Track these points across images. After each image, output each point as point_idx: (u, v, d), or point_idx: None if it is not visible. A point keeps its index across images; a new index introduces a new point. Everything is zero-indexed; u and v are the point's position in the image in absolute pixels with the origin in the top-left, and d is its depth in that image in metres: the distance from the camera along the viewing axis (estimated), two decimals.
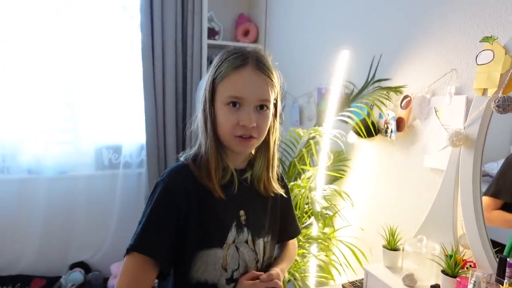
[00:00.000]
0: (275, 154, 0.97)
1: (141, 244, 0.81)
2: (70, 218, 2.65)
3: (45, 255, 2.61)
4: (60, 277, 2.55)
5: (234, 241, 0.90)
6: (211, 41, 2.65)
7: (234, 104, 0.84)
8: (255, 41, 2.87)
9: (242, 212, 0.93)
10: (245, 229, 0.93)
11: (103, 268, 2.70)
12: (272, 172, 0.98)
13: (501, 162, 1.39)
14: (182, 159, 0.92)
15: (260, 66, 0.86)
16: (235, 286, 0.89)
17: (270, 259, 1.02)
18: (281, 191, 1.01)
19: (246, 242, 0.93)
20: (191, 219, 0.84)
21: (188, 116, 2.66)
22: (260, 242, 0.96)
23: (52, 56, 2.47)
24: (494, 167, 1.39)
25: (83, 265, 2.69)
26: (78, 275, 2.55)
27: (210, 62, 2.70)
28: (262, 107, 0.87)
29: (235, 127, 0.85)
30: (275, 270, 0.94)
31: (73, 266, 2.66)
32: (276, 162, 0.99)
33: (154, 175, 2.60)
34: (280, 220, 1.05)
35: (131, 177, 2.76)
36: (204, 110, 0.88)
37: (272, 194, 1.00)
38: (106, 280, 2.62)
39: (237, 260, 0.90)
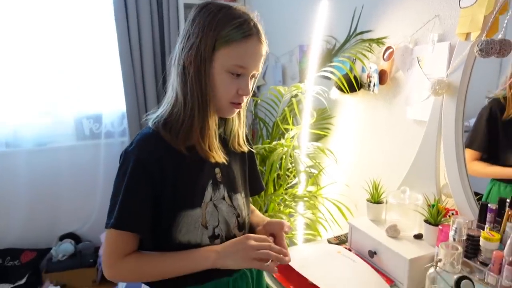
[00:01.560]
0: (245, 112, 0.98)
1: (121, 221, 0.81)
2: (55, 190, 2.62)
3: (33, 228, 2.59)
4: (51, 248, 2.56)
5: (211, 199, 0.90)
6: (188, 0, 2.52)
7: (236, 72, 0.83)
8: (234, 1, 2.74)
9: (217, 170, 0.93)
10: (221, 186, 0.93)
11: (93, 238, 2.71)
12: (244, 129, 1.00)
13: None
14: (150, 124, 0.88)
15: (262, 37, 0.85)
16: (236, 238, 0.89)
17: (248, 215, 1.03)
18: (249, 148, 1.03)
19: (223, 198, 0.93)
20: (167, 185, 0.83)
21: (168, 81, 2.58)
22: (238, 197, 0.97)
23: (28, 26, 2.35)
24: None
25: (73, 236, 2.70)
26: (68, 245, 2.55)
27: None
28: (253, 75, 0.88)
29: (234, 95, 0.85)
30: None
31: (63, 238, 2.66)
32: (245, 120, 1.00)
33: None
34: (248, 177, 1.06)
35: (114, 146, 2.71)
36: (200, 72, 0.81)
37: (241, 151, 1.01)
38: (97, 249, 2.64)
39: (216, 217, 0.90)
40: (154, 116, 0.88)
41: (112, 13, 2.38)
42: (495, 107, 1.19)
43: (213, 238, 0.90)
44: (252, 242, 0.84)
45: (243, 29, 0.81)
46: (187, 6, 2.54)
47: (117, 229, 0.81)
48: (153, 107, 2.53)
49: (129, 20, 2.42)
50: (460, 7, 1.15)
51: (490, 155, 1.24)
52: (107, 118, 2.67)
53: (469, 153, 1.24)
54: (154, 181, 0.82)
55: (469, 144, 1.25)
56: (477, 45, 1.06)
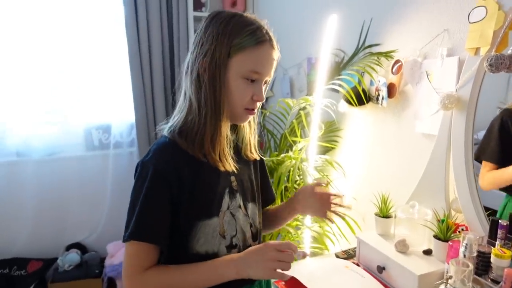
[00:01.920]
0: (256, 120, 1.00)
1: (140, 232, 0.79)
2: (63, 199, 2.63)
3: (40, 237, 2.60)
4: (57, 258, 2.56)
5: (228, 208, 0.90)
6: (198, 13, 2.56)
7: (251, 78, 0.84)
8: (243, 11, 2.78)
9: (233, 178, 0.93)
10: (237, 194, 0.93)
11: (99, 248, 2.70)
12: (255, 137, 1.01)
13: None
14: (165, 133, 0.88)
15: (274, 43, 0.87)
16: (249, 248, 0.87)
17: (261, 224, 1.02)
18: (260, 156, 1.04)
19: (239, 207, 0.93)
20: (185, 194, 0.83)
21: (177, 92, 2.60)
22: (251, 206, 0.97)
23: (38, 36, 2.39)
24: None
25: (79, 246, 2.69)
26: (74, 256, 2.55)
27: None
28: (265, 81, 0.89)
29: (248, 101, 0.86)
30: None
31: (69, 247, 2.66)
32: (256, 128, 1.01)
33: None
34: (260, 185, 1.05)
35: (123, 157, 2.72)
36: (215, 78, 0.82)
37: (253, 159, 1.01)
38: (103, 259, 2.63)
39: (234, 226, 0.90)
40: (168, 125, 0.89)
41: (123, 24, 2.42)
42: (506, 117, 1.18)
43: (230, 248, 0.89)
44: (273, 252, 0.81)
45: (256, 35, 0.82)
46: (197, 19, 2.58)
47: (137, 240, 0.79)
48: (162, 117, 2.58)
49: (139, 32, 2.45)
50: (469, 22, 1.15)
51: (503, 166, 1.22)
52: (116, 128, 2.69)
53: (483, 165, 1.23)
54: (172, 190, 0.82)
55: (479, 155, 1.23)
56: (487, 60, 1.06)
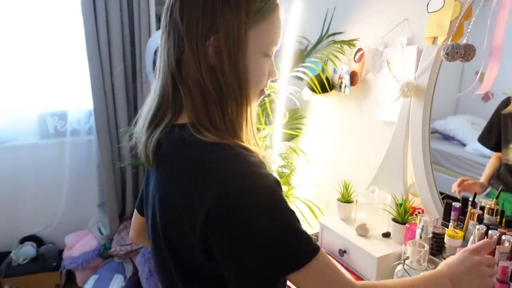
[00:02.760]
0: None
1: (311, 244, 0.59)
2: (16, 190, 2.48)
3: None
4: (10, 252, 2.42)
5: None
6: None
7: (269, 53, 0.68)
8: None
9: None
10: None
11: (56, 240, 2.59)
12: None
13: (448, 119, 1.43)
14: (207, 138, 0.61)
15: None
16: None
17: None
18: None
19: None
20: None
21: (138, 78, 2.51)
22: None
23: None
24: (442, 124, 1.43)
25: (35, 239, 2.57)
26: (29, 248, 2.43)
27: (158, 18, 2.56)
28: None
29: (264, 80, 0.70)
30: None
31: (24, 240, 2.53)
32: None
33: (106, 141, 2.46)
34: None
35: (80, 145, 2.60)
36: (236, 58, 0.63)
37: None
38: (60, 252, 2.53)
39: None
40: (178, 133, 0.65)
41: (79, 5, 2.29)
42: (502, 103, 1.18)
43: None
44: (486, 269, 0.70)
45: None
46: (159, 2, 2.48)
47: (315, 254, 0.58)
48: (122, 104, 2.48)
49: (96, 14, 2.32)
50: (428, 12, 1.19)
51: (489, 148, 1.26)
52: (73, 115, 2.56)
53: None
54: None
55: (479, 138, 1.28)
56: (443, 49, 1.09)
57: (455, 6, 1.10)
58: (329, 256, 0.60)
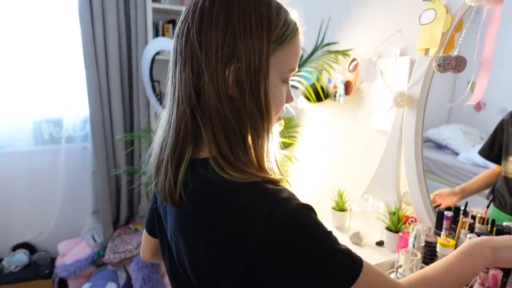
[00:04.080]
0: None
1: (355, 261, 0.58)
2: (9, 197, 2.46)
3: None
4: (2, 259, 2.40)
5: None
6: (156, 5, 2.49)
7: (287, 79, 0.66)
8: None
9: None
10: None
11: (49, 248, 2.57)
12: None
13: (441, 128, 1.46)
14: (232, 178, 0.59)
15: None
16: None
17: None
18: None
19: None
20: None
21: (134, 86, 2.52)
22: None
23: None
24: (435, 133, 1.46)
25: (27, 246, 2.54)
26: (21, 256, 2.40)
27: (155, 27, 2.58)
28: None
29: (283, 107, 0.68)
30: None
31: (16, 248, 2.50)
32: None
33: (101, 148, 2.47)
34: None
35: (75, 152, 2.59)
36: (257, 87, 0.60)
37: None
38: (53, 259, 2.50)
39: None
40: (199, 173, 0.62)
41: (77, 12, 2.30)
42: (507, 116, 1.19)
43: None
44: None
45: (291, 22, 0.64)
46: (156, 11, 2.51)
47: (361, 267, 0.57)
48: (118, 111, 2.49)
49: (94, 22, 2.34)
50: (420, 24, 1.21)
51: (490, 160, 1.26)
52: (69, 122, 2.56)
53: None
54: None
55: (480, 152, 1.27)
56: (435, 61, 1.12)
57: (446, 18, 1.12)
58: (370, 263, 0.59)
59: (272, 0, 0.62)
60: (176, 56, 0.63)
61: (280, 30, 0.61)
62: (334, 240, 0.57)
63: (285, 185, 0.63)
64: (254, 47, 0.59)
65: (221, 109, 0.59)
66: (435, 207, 1.27)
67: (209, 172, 0.60)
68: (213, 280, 0.60)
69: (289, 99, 0.68)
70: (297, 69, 0.67)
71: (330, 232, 0.58)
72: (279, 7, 0.63)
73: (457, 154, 1.41)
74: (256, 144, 0.62)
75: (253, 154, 0.62)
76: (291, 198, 0.58)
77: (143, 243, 0.90)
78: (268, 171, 0.64)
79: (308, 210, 0.57)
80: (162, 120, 0.69)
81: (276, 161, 0.67)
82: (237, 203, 0.57)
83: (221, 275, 0.58)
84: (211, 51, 0.58)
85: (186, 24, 0.61)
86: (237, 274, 0.56)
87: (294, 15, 0.65)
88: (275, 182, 0.61)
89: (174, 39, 0.64)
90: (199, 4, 0.60)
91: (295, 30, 0.64)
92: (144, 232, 0.88)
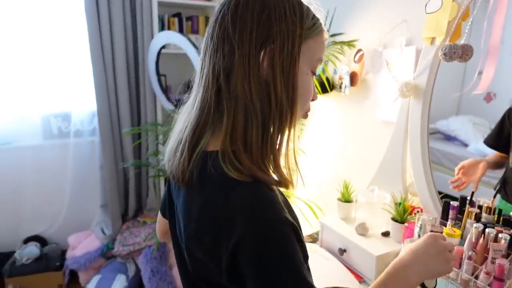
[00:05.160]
0: None
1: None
2: (20, 191, 2.51)
3: None
4: (14, 252, 2.45)
5: None
6: None
7: (315, 70, 0.67)
8: None
9: None
10: None
11: (60, 240, 2.61)
12: None
13: (451, 119, 1.44)
14: (230, 173, 0.59)
15: None
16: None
17: None
18: None
19: None
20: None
21: (141, 80, 2.53)
22: None
23: None
24: (444, 124, 1.44)
25: (38, 239, 2.59)
26: (33, 248, 2.45)
27: (161, 21, 2.58)
28: None
29: (310, 99, 0.68)
30: None
31: (27, 240, 2.55)
32: None
33: (109, 142, 2.49)
34: None
35: (83, 146, 2.62)
36: (288, 73, 0.61)
37: None
38: (64, 252, 2.55)
39: None
40: (213, 162, 0.61)
41: (83, 7, 2.31)
42: None
43: None
44: (443, 243, 0.74)
45: (315, 15, 0.66)
46: (162, 4, 2.51)
47: None
48: (125, 105, 2.51)
49: (100, 16, 2.35)
50: (426, 13, 1.20)
51: (498, 150, 1.25)
52: (77, 116, 2.59)
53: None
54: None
55: (485, 140, 1.27)
56: (441, 50, 1.10)
57: (452, 7, 1.11)
58: None
59: None
60: (207, 43, 0.64)
61: (311, 21, 0.64)
62: (303, 265, 0.57)
63: (290, 189, 0.65)
64: (289, 29, 0.60)
65: (249, 93, 0.60)
66: (459, 186, 1.24)
67: (216, 167, 0.61)
68: (205, 268, 0.63)
69: (314, 95, 0.69)
70: (323, 61, 0.68)
71: (301, 260, 0.58)
72: (307, 4, 0.66)
73: (466, 145, 1.39)
74: (276, 133, 0.62)
75: (268, 145, 0.61)
76: (281, 209, 0.58)
77: (157, 223, 0.94)
78: (282, 169, 0.64)
79: (290, 228, 0.57)
80: (186, 105, 0.70)
81: (293, 161, 0.66)
82: (230, 199, 0.58)
83: (212, 263, 0.60)
84: (246, 32, 0.60)
85: (221, 12, 0.63)
86: (223, 264, 0.58)
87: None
88: (276, 185, 0.62)
89: (207, 29, 0.66)
90: None
91: (321, 24, 0.66)
92: (159, 213, 0.92)
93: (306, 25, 0.63)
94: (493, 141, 1.25)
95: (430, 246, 0.74)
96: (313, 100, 0.69)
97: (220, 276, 0.60)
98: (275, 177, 0.63)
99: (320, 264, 1.28)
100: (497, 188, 1.13)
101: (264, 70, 0.60)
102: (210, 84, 0.62)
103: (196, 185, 0.65)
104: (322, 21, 0.67)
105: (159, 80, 2.44)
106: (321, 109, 1.84)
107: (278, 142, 0.63)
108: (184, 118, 0.69)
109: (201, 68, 0.65)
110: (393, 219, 1.27)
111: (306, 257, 0.65)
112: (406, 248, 0.76)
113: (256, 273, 0.55)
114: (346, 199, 1.44)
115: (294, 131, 0.63)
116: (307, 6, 0.65)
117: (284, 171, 0.65)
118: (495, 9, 1.03)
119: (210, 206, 0.61)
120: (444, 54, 1.09)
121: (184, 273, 0.75)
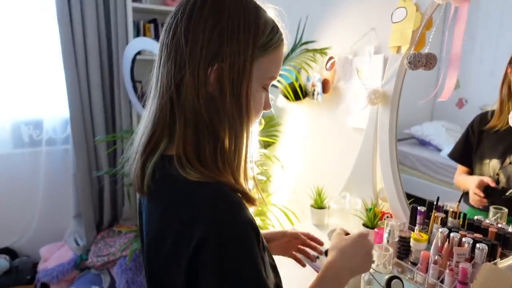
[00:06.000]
0: None
1: None
2: None
3: None
4: None
5: None
6: (137, 4, 2.47)
7: (267, 86, 0.68)
8: None
9: None
10: None
11: (31, 253, 2.53)
12: None
13: (425, 125, 1.48)
14: (191, 177, 0.59)
15: None
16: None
17: None
18: None
19: None
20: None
21: (115, 86, 2.49)
22: None
23: None
24: (418, 130, 1.47)
25: (8, 251, 2.50)
26: (2, 261, 2.36)
27: (136, 27, 2.56)
28: None
29: (261, 112, 0.70)
30: None
31: None
32: None
33: (82, 150, 2.44)
34: None
35: (56, 154, 2.56)
36: (239, 90, 0.61)
37: None
38: (35, 265, 2.47)
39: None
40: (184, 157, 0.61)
41: (55, 10, 2.26)
42: (478, 118, 1.21)
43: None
44: (370, 243, 0.81)
45: (278, 32, 0.65)
46: (136, 10, 2.48)
47: None
48: (99, 112, 2.46)
49: (72, 21, 2.30)
50: (392, 22, 1.23)
51: (461, 163, 1.28)
52: (49, 124, 2.52)
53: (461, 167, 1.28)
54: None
55: (450, 154, 1.31)
56: (406, 58, 1.13)
57: (416, 16, 1.14)
58: None
59: (261, 9, 0.64)
60: (161, 49, 0.64)
61: (266, 38, 0.63)
62: (261, 269, 0.58)
63: (251, 192, 0.65)
64: (240, 49, 0.60)
65: (197, 106, 0.61)
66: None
67: (172, 169, 0.61)
68: (165, 276, 0.62)
69: (267, 106, 0.70)
70: (277, 78, 0.69)
71: (260, 263, 0.58)
72: (267, 16, 0.65)
73: (440, 150, 1.43)
74: (232, 146, 0.62)
75: (223, 156, 0.62)
76: (244, 209, 0.59)
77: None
78: (242, 174, 0.64)
79: (250, 230, 0.57)
80: (145, 110, 0.70)
81: (251, 167, 0.67)
82: (190, 201, 0.58)
83: (172, 268, 0.60)
84: (196, 48, 0.60)
85: (175, 19, 0.62)
86: (183, 264, 0.57)
87: (271, 13, 0.66)
88: (236, 187, 0.62)
89: (162, 33, 0.65)
90: (190, 2, 0.62)
91: (280, 40, 0.65)
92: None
93: (260, 43, 0.62)
94: (457, 154, 1.28)
95: (360, 247, 0.80)
96: (266, 110, 0.70)
97: (178, 278, 0.59)
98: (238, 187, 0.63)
99: (294, 271, 1.28)
100: (461, 194, 1.16)
101: (212, 85, 0.61)
102: (164, 92, 0.63)
103: (156, 193, 0.64)
104: (283, 32, 0.66)
105: (135, 87, 2.41)
106: (295, 116, 1.85)
107: (238, 151, 0.63)
108: (144, 124, 0.68)
109: (156, 76, 0.65)
110: (364, 224, 1.28)
111: (270, 256, 0.66)
112: (334, 245, 0.82)
113: (218, 273, 0.54)
114: (319, 206, 1.45)
115: (247, 141, 0.64)
116: (265, 20, 0.64)
117: (247, 183, 0.65)
118: (456, 19, 1.06)
119: (171, 208, 0.61)
120: (409, 62, 1.12)
121: (151, 284, 0.73)
